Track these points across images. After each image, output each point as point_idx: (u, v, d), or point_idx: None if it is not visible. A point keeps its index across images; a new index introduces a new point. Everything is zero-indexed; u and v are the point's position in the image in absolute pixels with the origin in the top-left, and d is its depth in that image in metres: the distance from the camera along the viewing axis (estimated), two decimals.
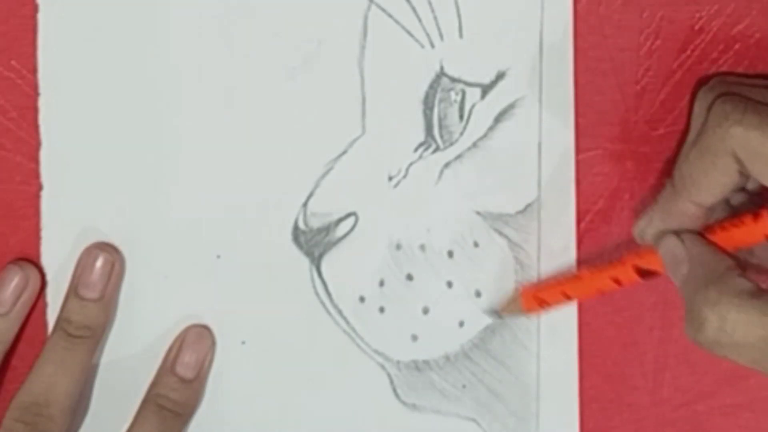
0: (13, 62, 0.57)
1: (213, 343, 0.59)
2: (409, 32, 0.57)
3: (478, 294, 0.59)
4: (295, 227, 0.58)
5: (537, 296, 0.58)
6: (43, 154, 0.57)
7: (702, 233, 0.54)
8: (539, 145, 0.58)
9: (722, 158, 0.51)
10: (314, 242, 0.58)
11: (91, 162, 0.57)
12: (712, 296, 0.50)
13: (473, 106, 0.58)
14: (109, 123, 0.57)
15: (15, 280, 0.57)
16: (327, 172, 0.58)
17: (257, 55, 0.57)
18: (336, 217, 0.58)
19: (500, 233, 0.59)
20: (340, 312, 0.59)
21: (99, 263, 0.57)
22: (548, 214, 0.59)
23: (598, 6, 0.58)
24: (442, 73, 0.58)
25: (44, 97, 0.57)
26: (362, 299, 0.59)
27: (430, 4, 0.57)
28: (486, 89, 0.58)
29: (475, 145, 0.58)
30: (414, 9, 0.57)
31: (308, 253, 0.58)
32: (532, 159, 0.59)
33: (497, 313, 0.59)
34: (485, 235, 0.59)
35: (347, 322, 0.59)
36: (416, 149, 0.58)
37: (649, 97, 0.58)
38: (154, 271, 0.58)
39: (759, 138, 0.50)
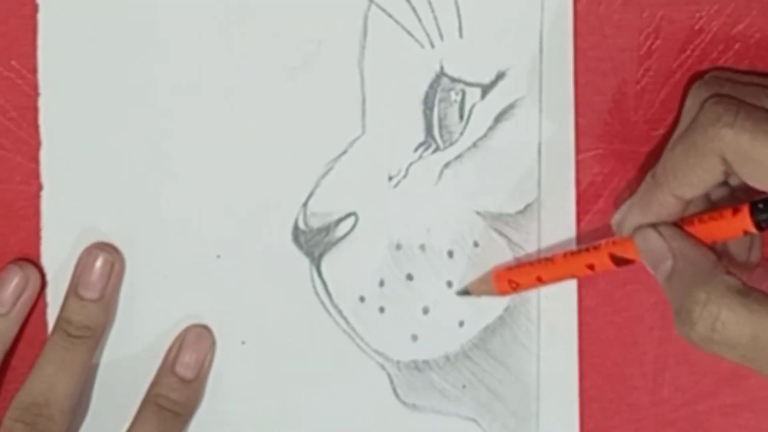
0: (13, 62, 0.57)
1: (213, 343, 0.59)
2: (409, 32, 0.57)
3: None
4: (295, 227, 0.58)
5: (509, 278, 0.58)
6: (43, 154, 0.57)
7: (680, 225, 0.54)
8: (539, 145, 0.58)
9: (709, 159, 0.51)
10: (314, 242, 0.58)
11: (91, 162, 0.57)
12: (702, 296, 0.50)
13: (473, 106, 0.58)
14: (109, 123, 0.57)
15: (15, 280, 0.57)
16: (327, 172, 0.58)
17: (257, 55, 0.57)
18: (336, 217, 0.58)
19: (500, 233, 0.59)
20: (340, 312, 0.59)
21: (99, 263, 0.57)
22: (548, 214, 0.59)
23: (598, 6, 0.58)
24: (442, 73, 0.58)
25: (44, 97, 0.57)
26: (362, 299, 0.59)
27: (430, 4, 0.57)
28: (486, 89, 0.58)
29: (475, 145, 0.58)
30: (414, 9, 0.57)
31: (308, 253, 0.58)
32: (532, 159, 0.59)
33: (467, 291, 0.59)
34: (485, 235, 0.59)
35: (347, 322, 0.59)
36: (416, 149, 0.58)
37: (649, 97, 0.58)
38: (154, 271, 0.58)
39: (750, 142, 0.50)
